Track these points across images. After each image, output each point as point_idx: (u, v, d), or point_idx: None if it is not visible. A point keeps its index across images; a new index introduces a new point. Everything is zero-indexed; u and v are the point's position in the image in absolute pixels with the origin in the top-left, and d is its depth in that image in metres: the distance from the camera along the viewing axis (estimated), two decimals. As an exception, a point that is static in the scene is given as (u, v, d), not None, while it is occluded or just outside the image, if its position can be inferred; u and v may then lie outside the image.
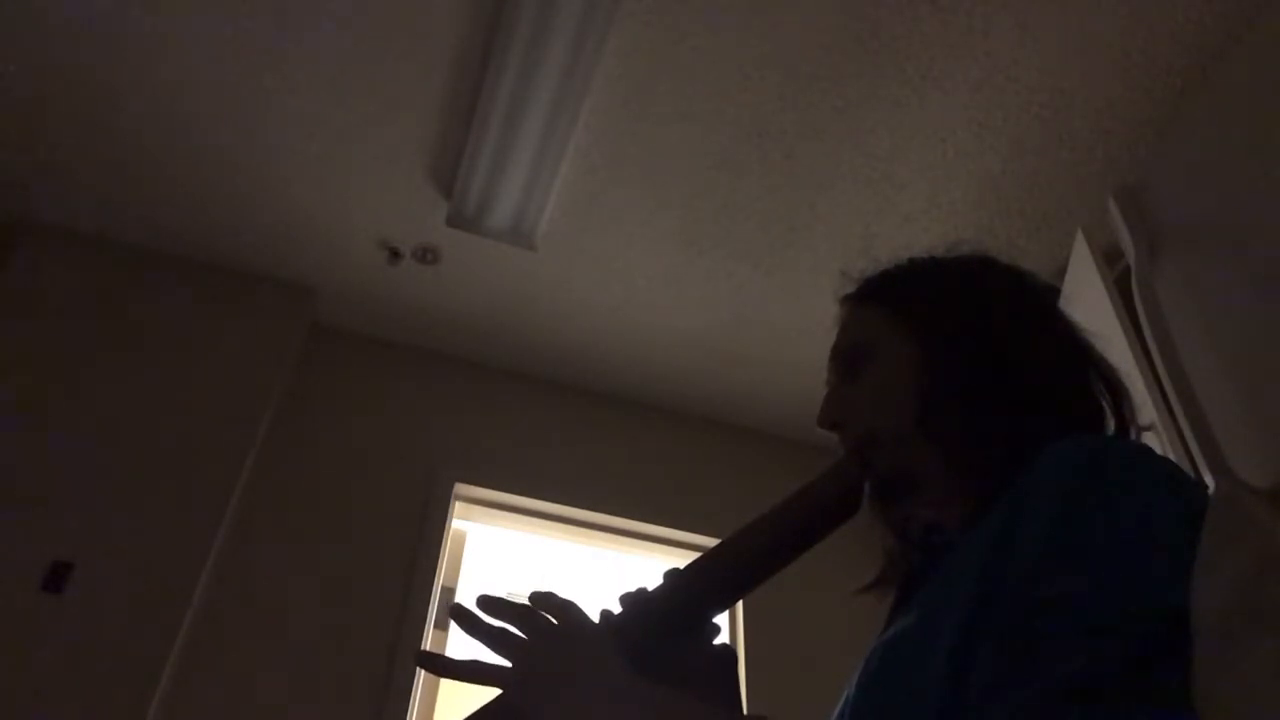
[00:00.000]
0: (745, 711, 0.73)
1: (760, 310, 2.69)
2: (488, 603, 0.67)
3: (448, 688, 2.35)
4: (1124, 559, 0.49)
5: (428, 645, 2.40)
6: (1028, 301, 0.74)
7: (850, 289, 0.81)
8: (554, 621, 0.65)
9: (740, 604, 2.68)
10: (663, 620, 0.70)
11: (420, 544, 2.52)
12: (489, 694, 0.64)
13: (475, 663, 0.63)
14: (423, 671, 2.36)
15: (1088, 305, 1.78)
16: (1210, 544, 0.49)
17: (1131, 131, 2.08)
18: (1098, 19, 1.88)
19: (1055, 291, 0.80)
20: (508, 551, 3.95)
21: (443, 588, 2.56)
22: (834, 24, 1.92)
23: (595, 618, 0.68)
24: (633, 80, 2.07)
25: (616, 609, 0.71)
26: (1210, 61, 1.91)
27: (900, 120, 2.11)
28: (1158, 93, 1.99)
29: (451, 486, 2.67)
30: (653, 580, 0.73)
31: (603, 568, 3.95)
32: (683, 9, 1.91)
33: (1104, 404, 0.69)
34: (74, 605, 2.01)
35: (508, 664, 0.63)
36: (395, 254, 2.59)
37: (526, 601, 0.68)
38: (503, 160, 2.21)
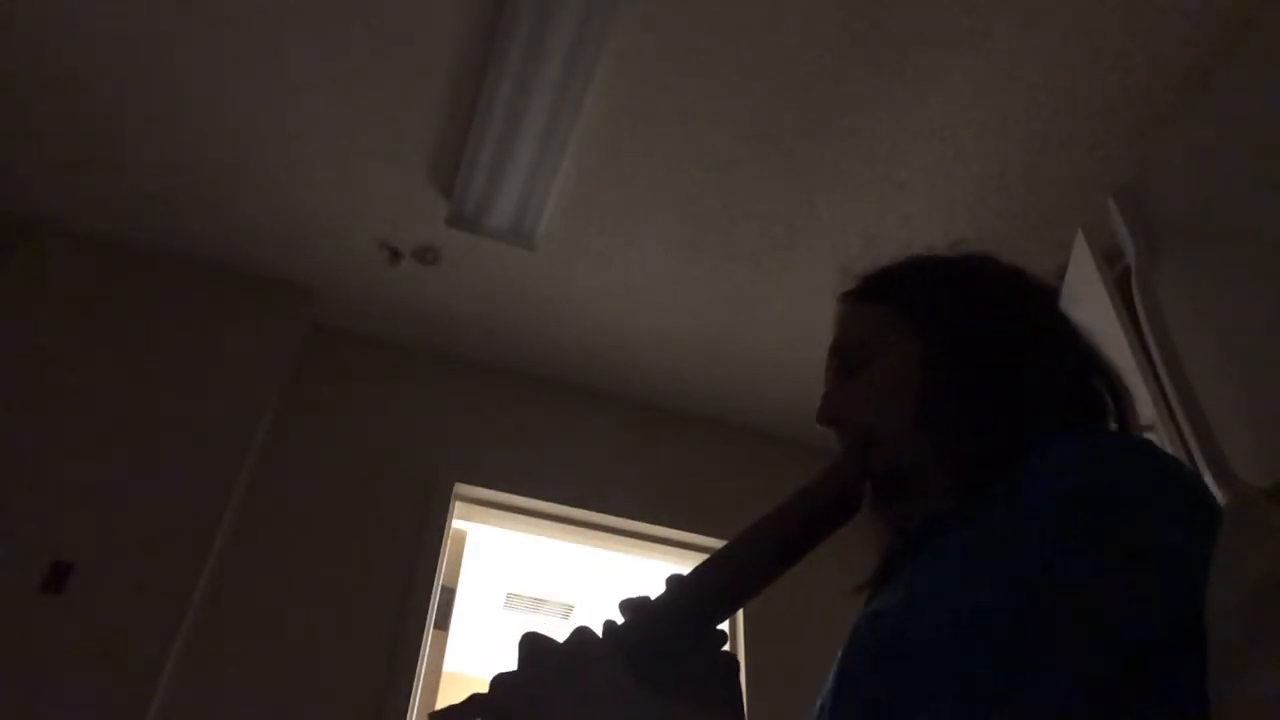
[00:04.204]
0: None
1: (760, 310, 2.69)
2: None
3: (448, 688, 2.35)
4: (1133, 561, 0.49)
5: (427, 645, 2.40)
6: (1028, 300, 0.74)
7: (850, 286, 0.81)
8: (554, 640, 0.64)
9: (740, 611, 2.67)
10: (665, 629, 0.69)
11: (420, 544, 2.52)
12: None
13: (475, 695, 0.61)
14: (422, 671, 2.36)
15: (1088, 305, 1.78)
16: (1227, 546, 0.49)
17: (1131, 131, 2.07)
18: (1098, 19, 1.88)
19: (1055, 291, 0.80)
20: (508, 551, 3.96)
21: (443, 588, 2.56)
22: (834, 24, 1.92)
23: (597, 628, 0.68)
24: (632, 81, 2.07)
25: (618, 618, 0.70)
26: (1210, 61, 1.91)
27: (900, 120, 2.11)
28: (1158, 93, 1.99)
29: (451, 486, 2.67)
30: (655, 586, 0.73)
31: (603, 568, 3.95)
32: (682, 9, 1.91)
33: (1105, 402, 0.69)
34: (74, 605, 2.01)
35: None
36: (395, 254, 2.59)
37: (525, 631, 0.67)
38: (503, 160, 2.21)
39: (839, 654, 0.58)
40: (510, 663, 0.63)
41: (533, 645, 0.63)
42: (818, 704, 0.61)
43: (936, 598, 0.54)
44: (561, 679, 0.60)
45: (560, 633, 0.65)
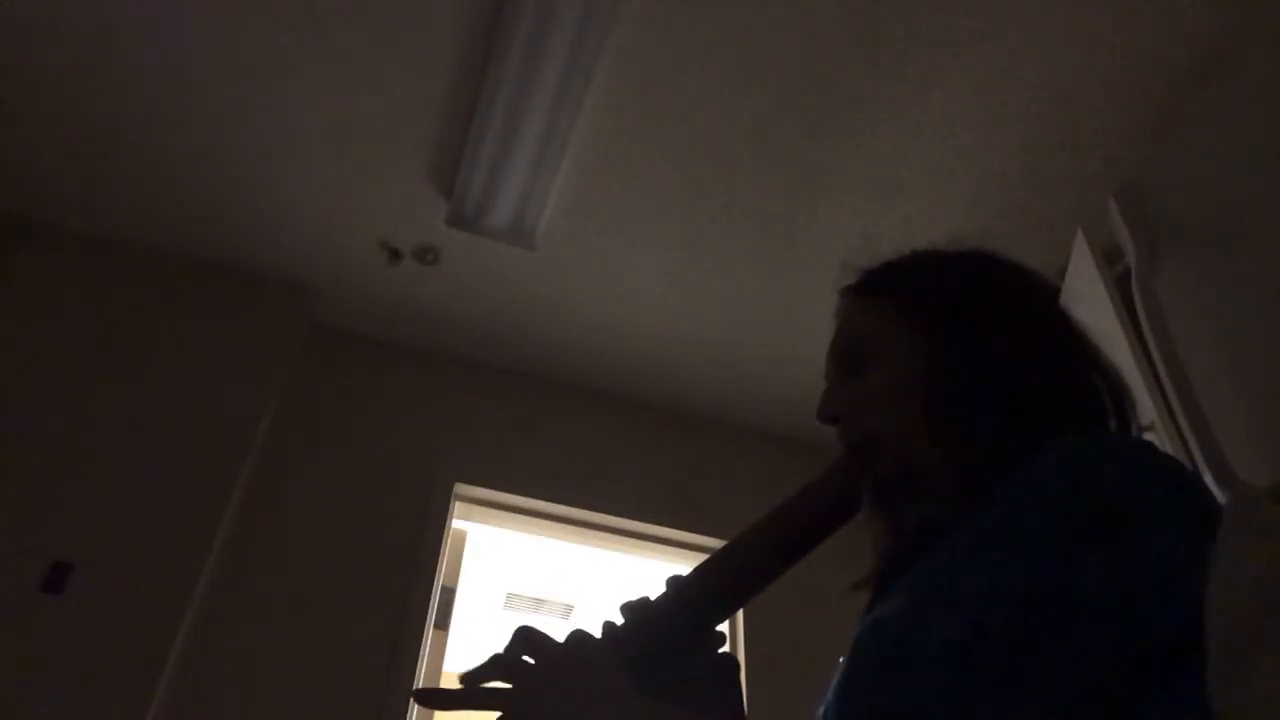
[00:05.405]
0: None
1: (760, 310, 2.69)
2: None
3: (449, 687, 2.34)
4: (1134, 562, 0.49)
5: (427, 645, 2.40)
6: (1031, 299, 0.73)
7: (850, 281, 0.80)
8: (553, 639, 0.63)
9: (741, 611, 2.67)
10: (665, 631, 0.69)
11: (420, 544, 2.51)
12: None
13: (474, 689, 0.61)
14: (422, 671, 2.36)
15: (1088, 305, 1.78)
16: (1227, 547, 0.48)
17: (1131, 131, 2.07)
18: (1098, 19, 1.87)
19: (1056, 289, 0.80)
20: (508, 551, 3.95)
21: (443, 587, 2.56)
22: (834, 24, 1.92)
23: (596, 629, 0.67)
24: (632, 80, 2.07)
25: (618, 619, 0.70)
26: (1210, 61, 1.90)
27: (900, 120, 2.11)
28: (1158, 93, 1.99)
29: (451, 486, 2.67)
30: (654, 586, 0.73)
31: (603, 568, 3.95)
32: (682, 9, 1.91)
33: (1105, 402, 0.69)
34: (74, 605, 2.01)
35: (508, 686, 0.61)
36: (395, 254, 2.59)
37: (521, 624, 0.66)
38: (503, 160, 2.21)
39: (840, 661, 0.58)
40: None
41: (529, 640, 0.62)
42: (819, 711, 0.60)
43: (937, 604, 0.53)
44: (560, 678, 0.60)
45: (560, 633, 0.65)
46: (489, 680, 0.61)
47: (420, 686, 2.30)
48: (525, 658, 0.61)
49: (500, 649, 0.63)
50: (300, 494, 2.51)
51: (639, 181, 2.31)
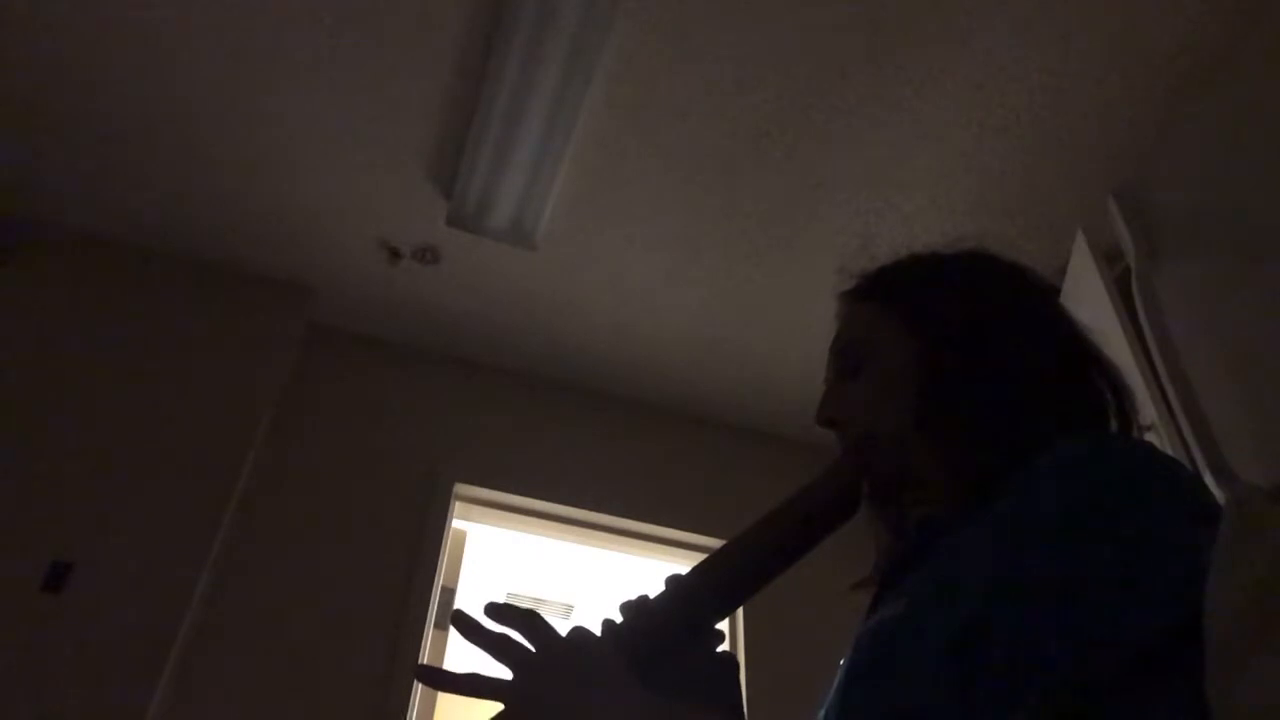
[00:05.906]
0: (746, 719, 0.72)
1: (760, 310, 2.69)
2: (494, 610, 0.65)
3: (448, 688, 2.34)
4: (1134, 562, 0.49)
5: (427, 645, 2.40)
6: (1028, 299, 0.73)
7: (849, 285, 0.80)
8: (557, 632, 0.64)
9: (740, 611, 2.67)
10: (665, 629, 0.69)
11: (420, 544, 2.51)
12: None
13: (475, 676, 0.61)
14: (423, 672, 2.36)
15: (1088, 305, 1.78)
16: (1225, 547, 0.48)
17: (1131, 131, 2.07)
18: (1098, 19, 1.88)
19: (1055, 289, 0.80)
20: (508, 551, 3.95)
21: (443, 588, 2.56)
22: (834, 24, 1.92)
23: (596, 628, 0.67)
24: (632, 80, 2.07)
25: (617, 618, 0.70)
26: (1210, 61, 1.90)
27: (900, 120, 2.11)
28: (1158, 93, 1.99)
29: (451, 486, 2.67)
30: (654, 585, 0.73)
31: (603, 568, 3.95)
32: (682, 9, 1.91)
33: (1106, 402, 0.69)
34: (74, 605, 2.01)
35: (508, 675, 0.61)
36: (395, 254, 2.59)
37: (531, 608, 0.66)
38: (503, 160, 2.21)
39: (842, 664, 0.58)
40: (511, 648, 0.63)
41: (535, 627, 0.63)
42: (820, 714, 0.61)
43: (938, 604, 0.54)
44: (561, 670, 0.60)
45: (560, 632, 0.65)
46: (506, 620, 0.63)
47: (424, 663, 2.30)
48: (528, 645, 0.62)
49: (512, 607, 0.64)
50: (300, 494, 2.51)
51: (639, 181, 2.31)
